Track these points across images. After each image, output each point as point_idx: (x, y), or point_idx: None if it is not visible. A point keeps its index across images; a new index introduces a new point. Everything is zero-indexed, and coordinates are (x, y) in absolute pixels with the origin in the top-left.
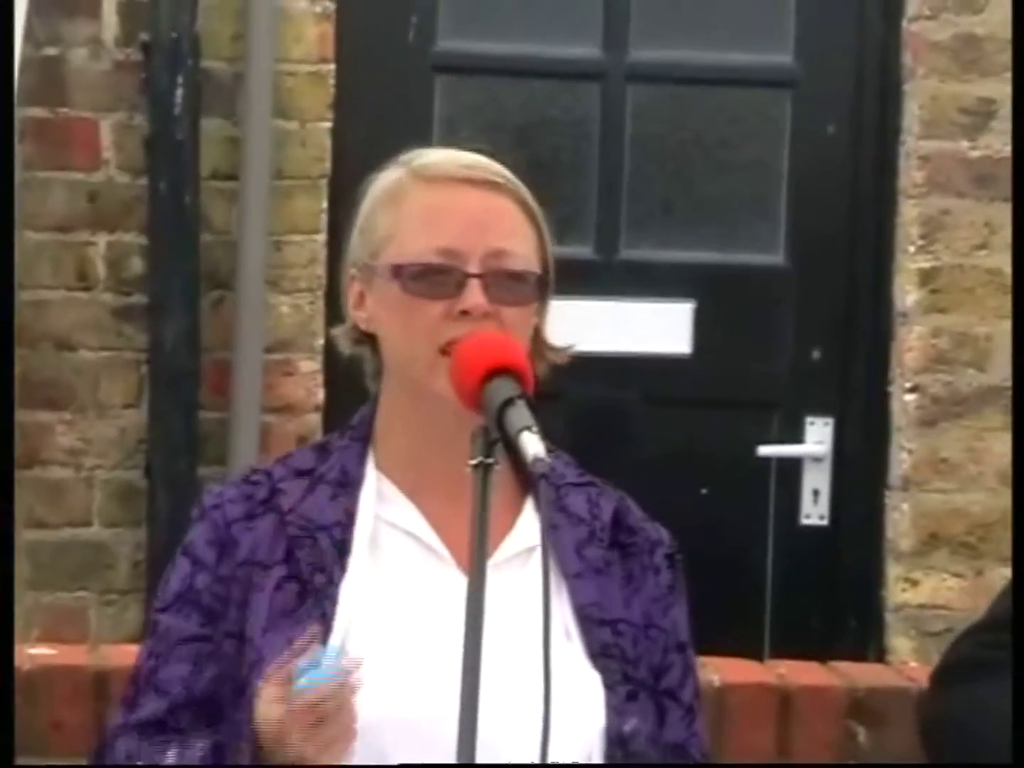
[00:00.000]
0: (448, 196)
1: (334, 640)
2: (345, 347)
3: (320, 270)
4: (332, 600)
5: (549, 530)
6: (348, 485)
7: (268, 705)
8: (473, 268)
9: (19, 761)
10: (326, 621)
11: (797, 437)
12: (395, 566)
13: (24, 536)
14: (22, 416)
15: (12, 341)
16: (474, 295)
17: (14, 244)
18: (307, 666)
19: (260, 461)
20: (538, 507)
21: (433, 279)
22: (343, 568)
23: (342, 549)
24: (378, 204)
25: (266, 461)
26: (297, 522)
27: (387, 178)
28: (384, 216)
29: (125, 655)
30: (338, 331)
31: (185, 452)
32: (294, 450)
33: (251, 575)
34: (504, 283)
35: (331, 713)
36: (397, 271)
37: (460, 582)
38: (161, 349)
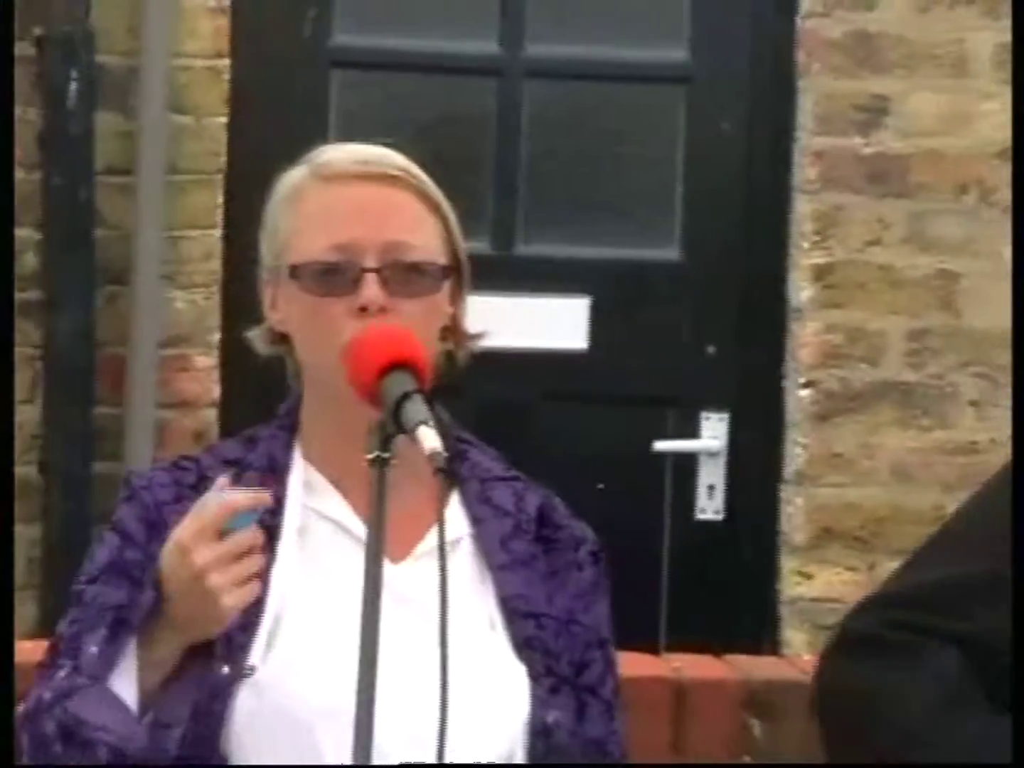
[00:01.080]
0: (344, 192)
1: (264, 631)
2: (262, 348)
3: (216, 265)
4: (263, 583)
5: (470, 521)
6: (275, 472)
7: (191, 542)
8: (370, 262)
9: None
10: (255, 606)
11: (693, 432)
12: (324, 554)
13: None
14: None
15: (12, 342)
16: (370, 289)
17: (14, 246)
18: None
19: (156, 457)
20: (461, 500)
21: (330, 277)
22: (272, 553)
23: (271, 535)
24: (279, 205)
25: (162, 456)
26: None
27: (290, 179)
28: (284, 217)
29: (20, 652)
30: (253, 333)
31: (80, 448)
32: (220, 442)
33: None
34: (403, 276)
35: (253, 551)
36: (295, 271)
37: (387, 571)
38: (56, 344)
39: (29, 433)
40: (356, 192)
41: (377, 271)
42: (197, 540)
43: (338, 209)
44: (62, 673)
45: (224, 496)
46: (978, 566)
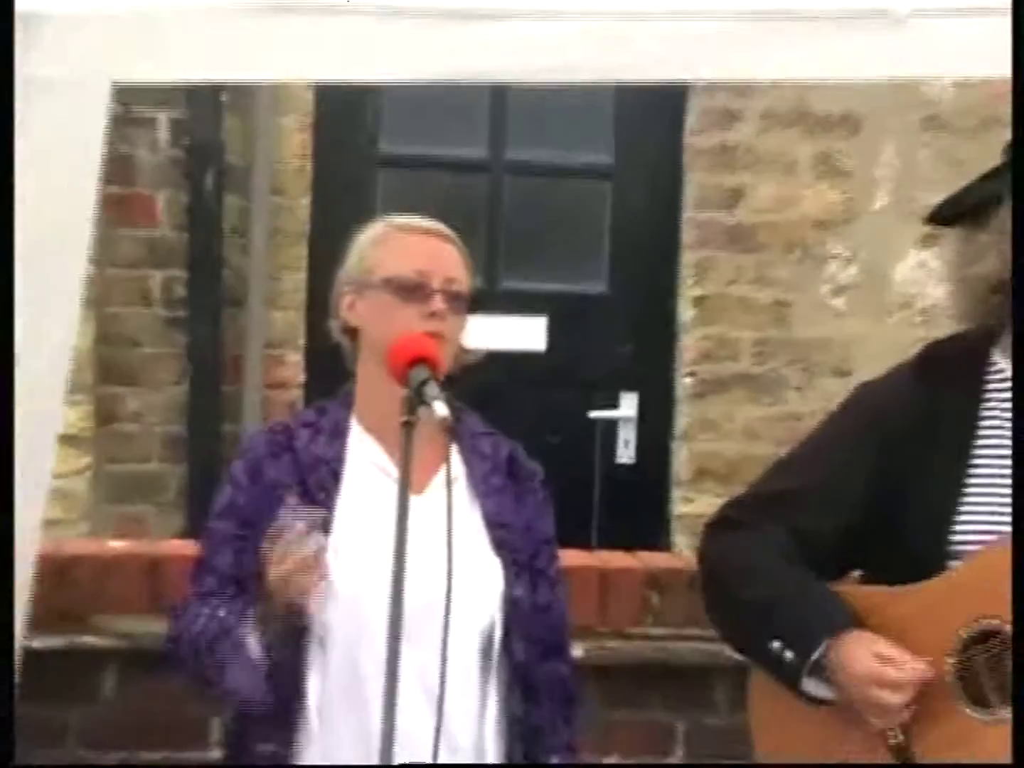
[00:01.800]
0: (418, 239)
1: (333, 538)
2: (337, 336)
3: (302, 296)
4: (330, 510)
5: (464, 464)
6: (339, 434)
7: (274, 566)
8: (437, 285)
9: (100, 620)
10: (326, 524)
11: (614, 405)
12: (371, 489)
13: (105, 468)
14: (102, 391)
15: (12, 345)
16: (439, 303)
17: (14, 248)
18: (296, 538)
19: (263, 420)
20: (458, 450)
21: (411, 290)
22: (337, 489)
23: (336, 476)
24: (369, 244)
25: (266, 421)
26: (306, 458)
27: (374, 230)
28: (375, 250)
29: (172, 547)
30: (331, 325)
31: (213, 413)
32: (302, 410)
33: (276, 492)
34: (452, 298)
35: (309, 566)
36: (388, 282)
37: (414, 501)
38: (196, 346)
39: (179, 403)
40: (425, 241)
41: (442, 292)
42: (279, 557)
43: (415, 248)
44: (203, 587)
45: (292, 520)
46: (799, 482)
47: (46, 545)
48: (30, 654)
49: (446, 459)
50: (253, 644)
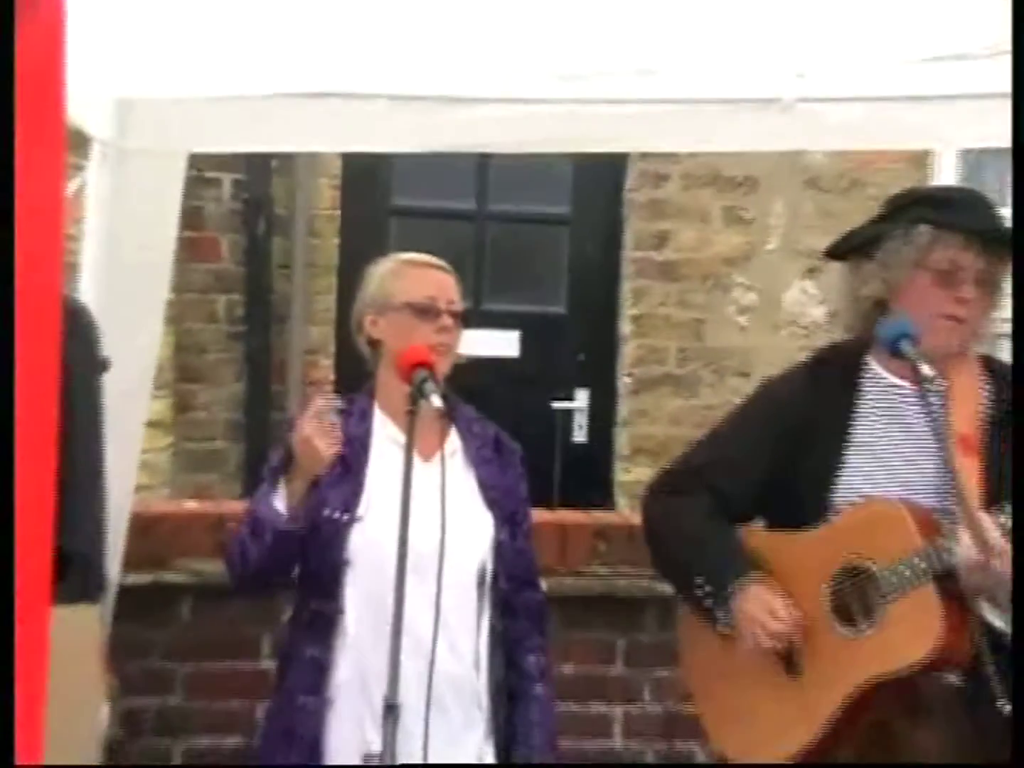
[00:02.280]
0: (426, 272)
1: (364, 494)
2: (361, 347)
3: (332, 314)
4: (361, 475)
5: (462, 441)
6: (365, 417)
7: (304, 426)
8: (444, 307)
9: (177, 562)
10: (359, 484)
11: (571, 398)
12: (390, 458)
13: (182, 446)
14: (180, 387)
15: (12, 347)
16: (447, 321)
17: (14, 250)
18: (316, 412)
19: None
20: (456, 430)
21: (425, 310)
22: (367, 458)
23: (365, 448)
24: (388, 275)
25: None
26: (343, 434)
27: (386, 264)
28: (394, 281)
29: (233, 507)
30: (358, 339)
31: (264, 405)
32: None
33: None
34: (454, 316)
35: (324, 432)
36: (407, 305)
37: (420, 467)
38: (251, 354)
39: (238, 397)
40: (432, 272)
41: (449, 312)
42: (304, 424)
43: (426, 279)
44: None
45: (318, 402)
46: (718, 455)
47: (136, 505)
48: (124, 589)
49: (445, 438)
50: (280, 503)
